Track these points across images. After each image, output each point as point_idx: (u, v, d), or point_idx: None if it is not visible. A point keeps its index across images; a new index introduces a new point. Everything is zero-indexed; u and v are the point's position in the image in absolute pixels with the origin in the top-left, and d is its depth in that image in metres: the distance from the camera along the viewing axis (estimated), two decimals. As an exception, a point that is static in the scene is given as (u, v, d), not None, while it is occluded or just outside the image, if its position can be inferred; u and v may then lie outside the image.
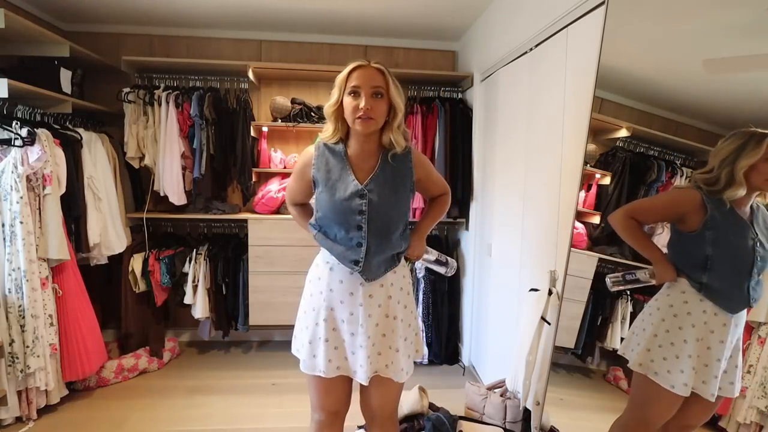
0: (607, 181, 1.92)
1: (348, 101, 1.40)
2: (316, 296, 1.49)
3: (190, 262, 3.15)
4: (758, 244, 1.41)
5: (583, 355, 2.01)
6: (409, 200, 1.52)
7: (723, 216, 1.43)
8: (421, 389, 2.36)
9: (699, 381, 1.45)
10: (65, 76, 2.77)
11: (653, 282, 1.52)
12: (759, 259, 1.41)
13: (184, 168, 3.14)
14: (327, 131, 1.49)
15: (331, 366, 1.47)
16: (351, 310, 1.45)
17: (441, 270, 1.64)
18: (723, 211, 1.43)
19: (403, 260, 1.55)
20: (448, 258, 1.68)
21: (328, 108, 1.45)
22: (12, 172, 2.26)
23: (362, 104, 1.37)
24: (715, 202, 1.43)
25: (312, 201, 1.56)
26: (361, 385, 1.52)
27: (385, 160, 1.48)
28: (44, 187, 2.37)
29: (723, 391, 1.47)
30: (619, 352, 1.67)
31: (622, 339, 1.90)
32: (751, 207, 1.47)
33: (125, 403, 2.64)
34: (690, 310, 1.46)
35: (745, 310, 1.46)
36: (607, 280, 1.64)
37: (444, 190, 1.65)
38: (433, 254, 1.61)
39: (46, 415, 2.43)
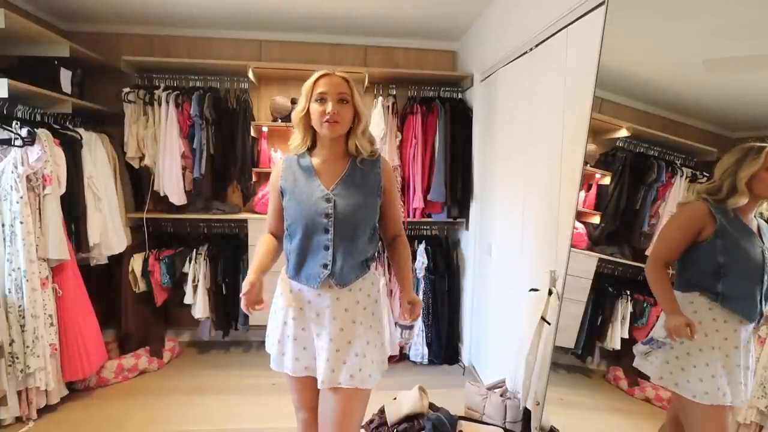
0: (607, 181, 1.92)
1: (315, 107, 1.43)
2: (286, 294, 1.50)
3: (190, 262, 3.15)
4: (766, 251, 1.43)
5: (583, 355, 2.01)
6: (377, 205, 1.51)
7: (730, 224, 1.45)
8: (421, 389, 2.36)
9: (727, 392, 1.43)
10: (65, 76, 2.77)
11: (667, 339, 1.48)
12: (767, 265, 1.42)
13: (184, 168, 3.14)
14: (295, 140, 1.53)
15: (299, 365, 1.49)
16: (317, 311, 1.47)
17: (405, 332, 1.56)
18: (729, 219, 1.45)
19: (372, 268, 1.55)
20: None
21: (296, 115, 1.48)
22: (12, 172, 2.26)
23: (329, 108, 1.41)
24: (721, 211, 1.46)
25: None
26: (320, 395, 1.50)
27: (354, 165, 1.50)
28: (44, 187, 2.37)
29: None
30: (634, 364, 1.65)
31: (622, 339, 1.90)
32: (755, 218, 1.48)
33: (125, 403, 2.64)
34: (700, 320, 1.46)
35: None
36: (639, 357, 1.60)
37: (400, 229, 1.61)
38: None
39: (46, 415, 2.43)
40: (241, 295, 1.42)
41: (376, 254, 1.57)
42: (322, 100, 1.43)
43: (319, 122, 1.43)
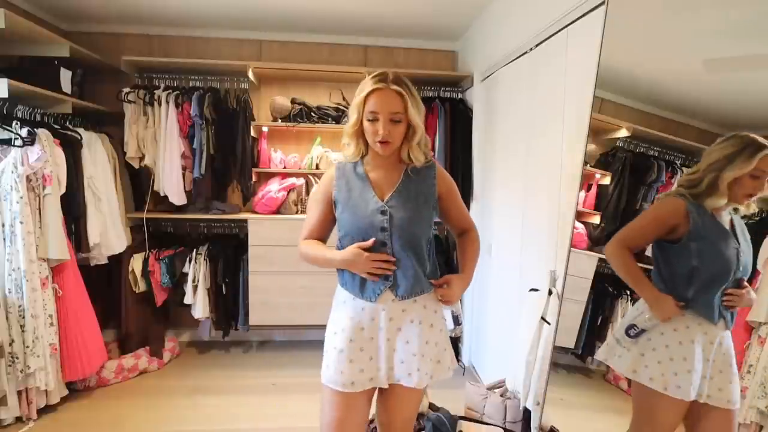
0: (607, 181, 1.92)
1: (367, 126, 1.38)
2: (348, 318, 1.44)
3: (190, 262, 3.15)
4: (740, 252, 1.39)
5: (583, 355, 2.01)
6: (431, 218, 1.48)
7: (705, 224, 1.40)
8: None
9: (674, 383, 1.39)
10: (65, 76, 2.77)
11: (657, 322, 1.44)
12: (741, 267, 1.39)
13: (184, 168, 3.14)
14: (348, 151, 1.47)
15: (363, 376, 1.41)
16: (381, 325, 1.43)
17: (450, 325, 1.54)
18: (705, 220, 1.40)
19: (433, 293, 1.51)
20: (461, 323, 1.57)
21: (349, 129, 1.43)
22: (12, 172, 2.26)
23: (380, 130, 1.36)
24: (698, 209, 1.40)
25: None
26: (384, 397, 1.51)
27: (408, 175, 1.46)
28: (44, 187, 2.37)
29: (712, 399, 1.42)
30: (599, 357, 1.62)
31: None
32: (729, 213, 1.44)
33: (125, 403, 2.64)
34: (675, 320, 1.44)
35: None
36: (607, 350, 1.59)
37: (468, 224, 1.62)
38: (458, 308, 1.56)
39: (46, 415, 2.43)
40: (371, 262, 1.37)
41: (436, 270, 1.53)
42: (374, 120, 1.36)
43: (372, 141, 1.39)
